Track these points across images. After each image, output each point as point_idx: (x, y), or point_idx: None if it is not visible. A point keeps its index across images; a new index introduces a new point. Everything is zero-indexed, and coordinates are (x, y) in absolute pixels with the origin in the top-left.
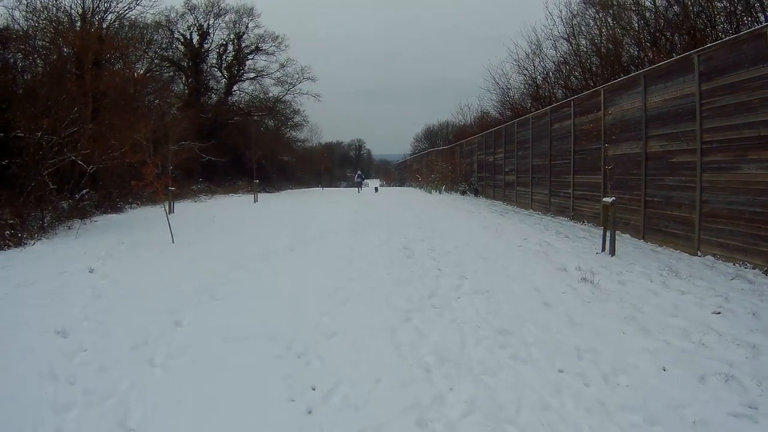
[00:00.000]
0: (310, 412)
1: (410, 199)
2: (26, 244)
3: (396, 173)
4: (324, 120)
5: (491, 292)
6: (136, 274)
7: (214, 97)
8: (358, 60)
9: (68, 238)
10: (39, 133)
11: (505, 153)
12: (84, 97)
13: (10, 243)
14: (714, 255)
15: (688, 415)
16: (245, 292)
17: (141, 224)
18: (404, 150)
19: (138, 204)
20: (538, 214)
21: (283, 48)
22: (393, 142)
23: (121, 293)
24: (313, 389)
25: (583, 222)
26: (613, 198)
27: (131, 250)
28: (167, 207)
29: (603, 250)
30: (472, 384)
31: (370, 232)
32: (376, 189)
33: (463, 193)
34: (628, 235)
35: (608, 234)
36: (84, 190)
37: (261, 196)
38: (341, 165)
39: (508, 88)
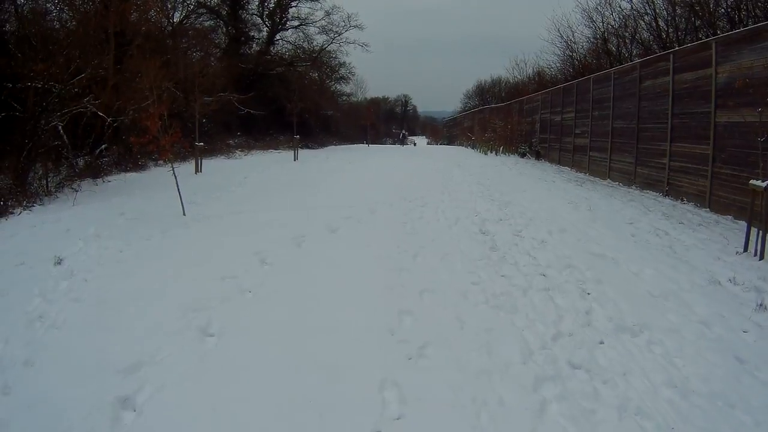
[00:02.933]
0: None
1: (465, 160)
2: (12, 212)
3: (444, 131)
4: (369, 75)
5: (643, 330)
6: (111, 275)
7: (255, 47)
8: (405, 13)
9: (66, 204)
10: (41, 81)
11: (576, 113)
12: (106, 39)
13: None
14: None
15: None
16: (258, 322)
17: (157, 186)
18: (450, 107)
19: (163, 161)
20: (618, 185)
21: None
22: (439, 99)
23: (74, 317)
24: None
25: (682, 200)
26: None
27: (126, 227)
28: (196, 165)
29: (746, 249)
30: None
31: (431, 205)
32: (414, 144)
33: (523, 155)
34: (744, 222)
35: (755, 230)
36: (103, 146)
37: (302, 152)
38: (386, 121)
39: (573, 42)
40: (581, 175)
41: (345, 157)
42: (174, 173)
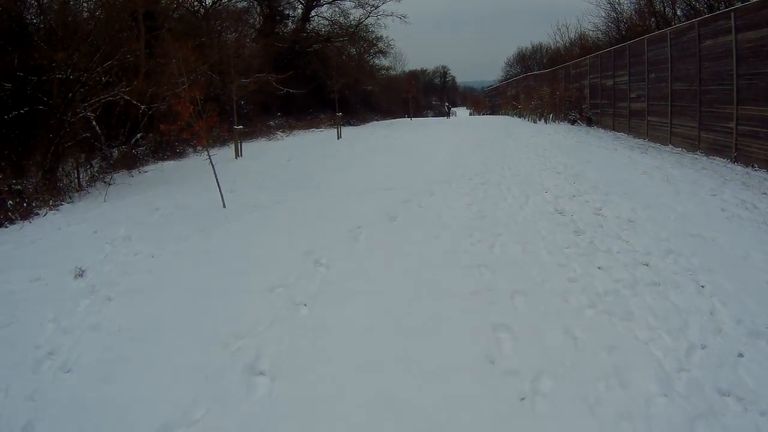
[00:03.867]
0: None
1: (515, 129)
2: (37, 214)
3: (486, 100)
4: (406, 47)
5: None
6: (139, 290)
7: (291, 25)
8: None
9: (97, 201)
10: (63, 71)
11: (630, 76)
12: (135, 24)
13: (14, 216)
14: None
15: None
16: (317, 354)
17: (196, 175)
18: (489, 77)
19: (201, 147)
20: (682, 151)
21: None
22: (477, 69)
23: (89, 354)
24: None
25: (753, 167)
26: None
27: (161, 225)
28: (235, 149)
29: None
30: None
31: (493, 182)
32: (455, 115)
33: (573, 122)
34: None
35: None
36: (139, 135)
37: (345, 130)
38: (426, 93)
39: (618, 3)
40: (641, 141)
41: (389, 133)
42: (210, 161)
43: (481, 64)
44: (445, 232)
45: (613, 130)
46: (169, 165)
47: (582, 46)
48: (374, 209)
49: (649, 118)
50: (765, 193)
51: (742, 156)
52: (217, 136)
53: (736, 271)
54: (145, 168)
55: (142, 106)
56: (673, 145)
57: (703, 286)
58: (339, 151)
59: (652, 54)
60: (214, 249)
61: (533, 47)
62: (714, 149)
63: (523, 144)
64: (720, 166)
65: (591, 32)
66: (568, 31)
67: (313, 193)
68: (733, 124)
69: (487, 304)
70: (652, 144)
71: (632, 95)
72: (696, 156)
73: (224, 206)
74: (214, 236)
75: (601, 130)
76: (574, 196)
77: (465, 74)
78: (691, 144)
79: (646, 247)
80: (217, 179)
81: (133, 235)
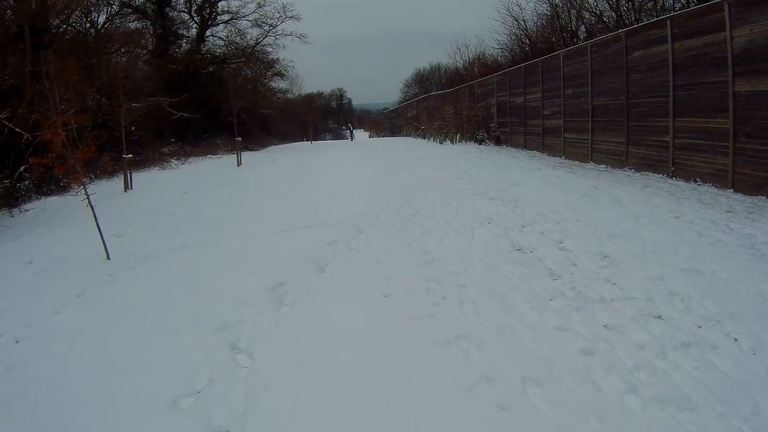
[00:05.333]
0: None
1: (423, 151)
2: None
3: (386, 122)
4: (302, 70)
5: None
6: None
7: (185, 46)
8: (327, 8)
9: None
10: None
11: (544, 92)
12: (21, 44)
13: None
14: None
15: None
16: None
17: (81, 214)
18: (385, 99)
19: (91, 178)
20: (607, 168)
21: None
22: (372, 91)
23: None
24: None
25: (696, 181)
26: None
27: (34, 286)
28: (125, 181)
29: None
30: None
31: (425, 212)
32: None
33: (481, 141)
34: None
35: None
36: (22, 167)
37: (245, 155)
38: (323, 116)
39: (524, 20)
40: (558, 159)
41: (292, 157)
42: (90, 202)
43: (377, 87)
44: (393, 285)
45: (525, 148)
46: (53, 201)
47: (484, 64)
48: (296, 256)
49: (566, 135)
50: (729, 211)
51: (680, 170)
52: (104, 168)
53: (761, 313)
54: (28, 206)
55: (26, 135)
56: (595, 162)
57: (736, 339)
58: (242, 180)
59: (569, 69)
60: (93, 327)
61: (431, 67)
62: (646, 164)
63: (438, 166)
64: (659, 182)
65: (495, 50)
66: (468, 51)
67: (217, 234)
68: (669, 138)
69: (496, 409)
70: (571, 162)
71: (546, 112)
72: (627, 173)
73: (108, 257)
74: (95, 304)
75: (513, 149)
76: (523, 226)
77: (361, 97)
78: (618, 160)
79: (643, 290)
80: (98, 226)
81: None
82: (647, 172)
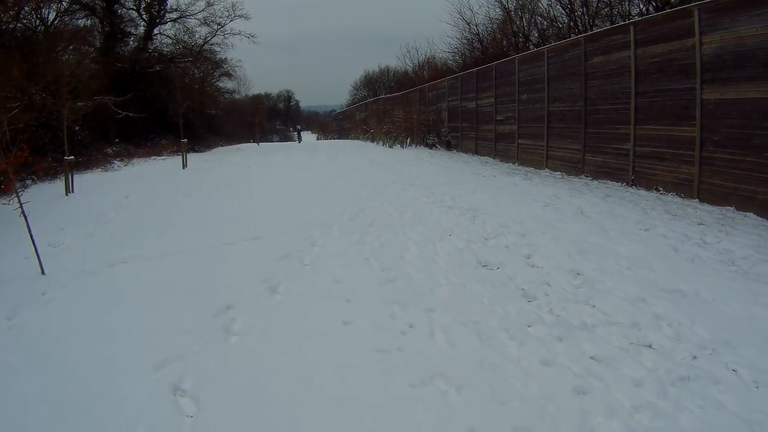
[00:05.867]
0: None
1: (372, 155)
2: None
3: (334, 124)
4: (249, 71)
5: None
6: None
7: (132, 44)
8: (276, 8)
9: None
10: None
11: (497, 97)
12: None
13: None
14: None
15: None
16: None
17: (18, 220)
18: (333, 101)
19: (34, 179)
20: (562, 175)
21: None
22: (321, 93)
23: None
24: None
25: (658, 189)
26: None
27: None
28: (66, 184)
29: None
30: None
31: (380, 222)
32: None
33: (432, 146)
34: (752, 214)
35: None
36: None
37: (190, 157)
38: (270, 118)
39: (476, 24)
40: (512, 165)
41: (239, 160)
42: (23, 211)
43: (325, 89)
44: (353, 310)
45: (476, 154)
46: None
47: (434, 68)
48: (243, 273)
49: (520, 141)
50: (701, 224)
51: (641, 179)
52: (45, 172)
53: (757, 339)
54: None
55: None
56: (550, 169)
57: (735, 371)
58: (186, 185)
59: (524, 74)
60: (22, 361)
61: (380, 70)
62: (604, 173)
63: (390, 171)
64: (620, 191)
65: (446, 54)
66: (418, 54)
67: (158, 246)
68: (629, 146)
69: None
70: (525, 168)
71: (499, 117)
72: (585, 181)
73: (42, 272)
74: (27, 329)
75: (464, 155)
76: (486, 239)
77: (309, 99)
78: (574, 168)
79: (626, 314)
80: (32, 238)
81: None
82: (605, 180)
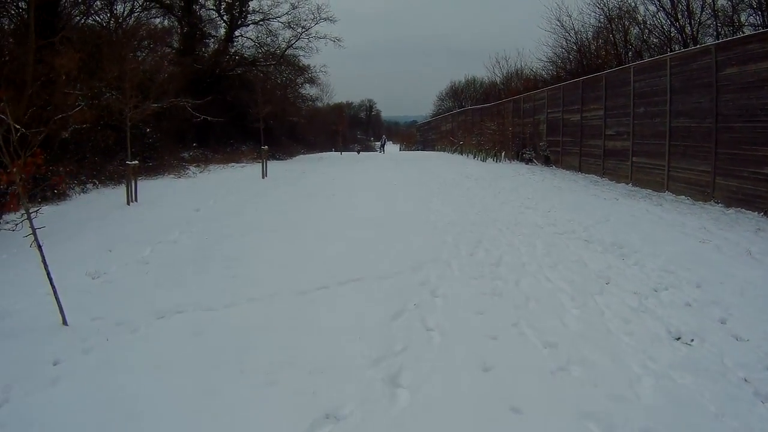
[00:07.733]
0: None
1: (466, 169)
2: None
3: (418, 135)
4: (331, 78)
5: None
6: None
7: (213, 46)
8: (357, 20)
9: None
10: None
11: (607, 110)
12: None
13: None
14: None
15: None
16: None
17: (70, 230)
18: (414, 112)
19: (95, 183)
20: (687, 198)
21: None
22: (400, 103)
23: None
24: None
25: None
26: None
27: None
28: (127, 192)
29: None
30: None
31: (516, 265)
32: (359, 152)
33: (528, 161)
34: None
35: None
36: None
37: (271, 165)
38: (351, 127)
39: (577, 31)
40: (627, 186)
41: (323, 170)
42: (36, 240)
43: (405, 100)
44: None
45: (580, 171)
46: (46, 212)
47: (526, 78)
48: (345, 344)
49: (635, 159)
50: None
51: None
52: (113, 172)
53: None
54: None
55: (28, 132)
56: (671, 192)
57: None
58: (266, 200)
59: (641, 84)
60: None
61: (467, 81)
62: (738, 200)
63: (493, 189)
64: (763, 222)
65: (541, 63)
66: (507, 64)
67: (227, 287)
68: None
69: None
70: (643, 190)
71: (609, 132)
72: (718, 208)
73: (65, 322)
74: (34, 416)
75: (566, 172)
76: (655, 290)
77: (389, 109)
78: (701, 192)
79: None
80: (49, 276)
81: None
82: (740, 208)
